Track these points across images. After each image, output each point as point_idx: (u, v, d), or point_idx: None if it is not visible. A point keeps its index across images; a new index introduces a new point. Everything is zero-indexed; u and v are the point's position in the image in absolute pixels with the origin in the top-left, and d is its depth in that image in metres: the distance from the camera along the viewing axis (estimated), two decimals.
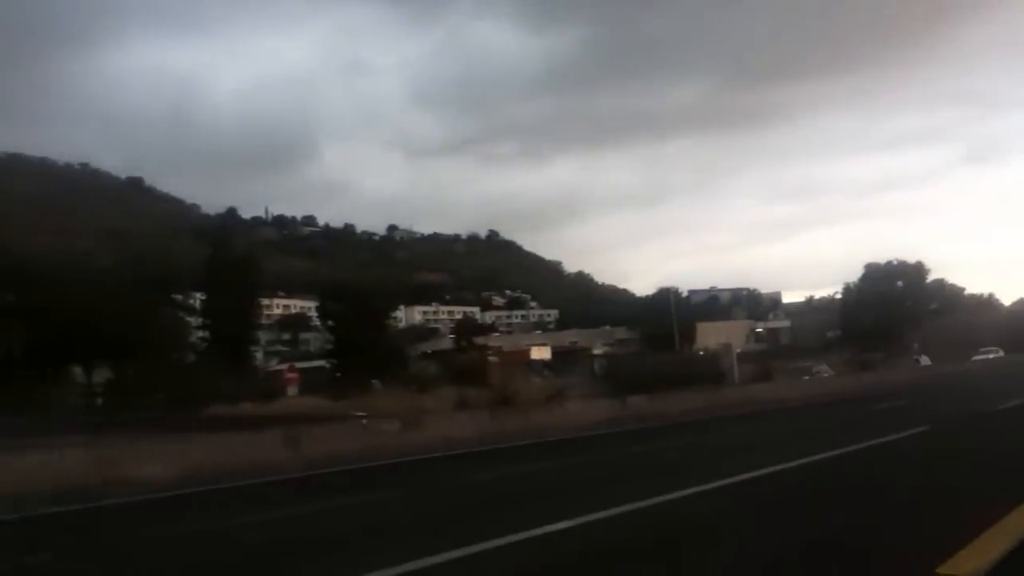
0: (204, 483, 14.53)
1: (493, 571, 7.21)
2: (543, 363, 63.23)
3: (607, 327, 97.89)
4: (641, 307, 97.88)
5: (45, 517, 12.07)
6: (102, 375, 60.50)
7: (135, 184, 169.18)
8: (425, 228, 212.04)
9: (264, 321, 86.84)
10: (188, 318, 65.83)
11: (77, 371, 59.99)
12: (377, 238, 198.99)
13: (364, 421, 19.09)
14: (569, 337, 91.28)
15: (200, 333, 66.15)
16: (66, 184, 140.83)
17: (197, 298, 66.63)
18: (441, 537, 8.48)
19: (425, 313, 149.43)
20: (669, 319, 78.62)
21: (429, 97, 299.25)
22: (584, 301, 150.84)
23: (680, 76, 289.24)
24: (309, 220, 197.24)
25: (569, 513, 9.21)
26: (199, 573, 8.06)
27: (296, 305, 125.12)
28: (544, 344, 78.57)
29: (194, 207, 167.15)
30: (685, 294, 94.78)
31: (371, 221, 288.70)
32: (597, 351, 77.60)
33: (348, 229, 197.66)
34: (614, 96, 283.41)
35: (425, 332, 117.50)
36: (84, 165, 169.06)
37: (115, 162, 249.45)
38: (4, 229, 67.51)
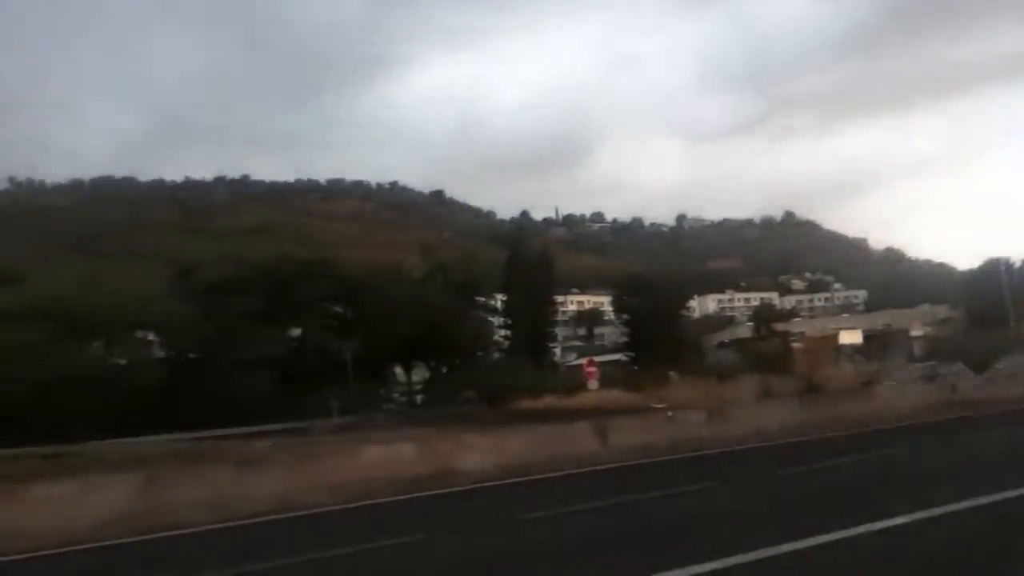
0: (522, 473, 15.19)
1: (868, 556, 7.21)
2: (853, 348, 58.84)
3: (925, 306, 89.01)
4: (964, 282, 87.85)
5: (397, 503, 13.42)
6: (419, 374, 66.17)
7: (437, 197, 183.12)
8: (715, 215, 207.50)
9: (560, 318, 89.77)
10: (492, 319, 69.91)
11: (398, 372, 66.08)
12: (666, 229, 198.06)
13: (669, 413, 18.84)
14: (881, 319, 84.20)
15: (503, 332, 69.99)
16: (379, 202, 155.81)
17: (499, 299, 70.48)
18: (788, 526, 8.57)
19: (719, 301, 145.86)
20: (999, 294, 69.83)
21: (711, 80, 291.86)
22: (895, 279, 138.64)
23: (994, 23, 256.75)
24: (597, 216, 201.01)
25: (908, 507, 8.71)
26: (600, 543, 8.90)
27: (589, 301, 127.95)
28: (852, 328, 73.10)
29: (490, 214, 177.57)
30: (1018, 265, 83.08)
31: (659, 212, 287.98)
32: (915, 332, 70.72)
33: (636, 222, 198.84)
34: (916, 53, 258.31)
35: (720, 321, 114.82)
36: (393, 183, 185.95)
37: (419, 178, 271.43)
38: (332, 248, 76.12)
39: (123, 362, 52.08)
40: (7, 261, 64.81)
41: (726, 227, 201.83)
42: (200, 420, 43.52)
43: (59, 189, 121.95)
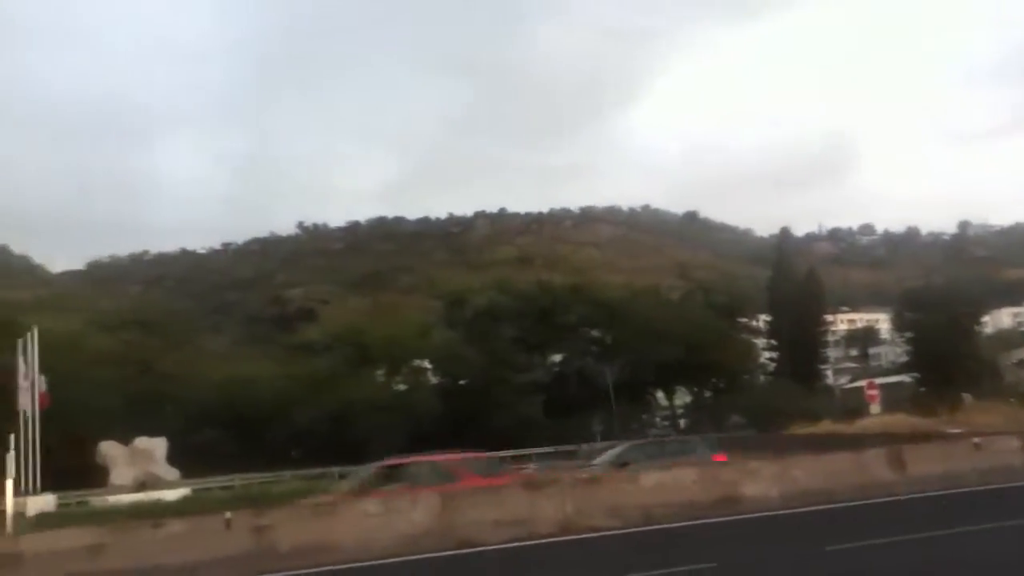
0: (810, 502, 14.38)
1: None
2: None
3: None
4: None
5: (681, 529, 13.25)
6: (681, 398, 65.18)
7: (691, 218, 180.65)
8: (1004, 219, 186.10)
9: (831, 337, 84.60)
10: (755, 340, 67.40)
11: (660, 396, 65.52)
12: (947, 237, 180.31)
13: (976, 439, 16.94)
14: None
15: (769, 354, 67.18)
16: (632, 226, 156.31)
17: (762, 320, 67.87)
18: None
19: (1016, 315, 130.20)
20: None
21: (977, 76, 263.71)
22: None
23: None
24: (867, 228, 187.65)
25: None
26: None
27: (862, 319, 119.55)
28: None
29: (747, 232, 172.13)
30: None
31: (936, 220, 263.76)
32: None
33: (911, 232, 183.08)
34: None
35: (1018, 337, 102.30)
36: (645, 207, 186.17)
37: (671, 200, 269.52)
38: (588, 273, 77.41)
39: (404, 388, 56.15)
40: (306, 299, 72.59)
41: (1018, 232, 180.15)
42: (473, 443, 45.83)
43: (339, 231, 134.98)
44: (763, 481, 14.93)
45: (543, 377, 57.32)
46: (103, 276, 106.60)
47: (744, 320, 66.51)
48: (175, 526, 12.32)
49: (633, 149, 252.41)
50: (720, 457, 21.97)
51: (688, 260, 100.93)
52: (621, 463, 21.38)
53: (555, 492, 14.41)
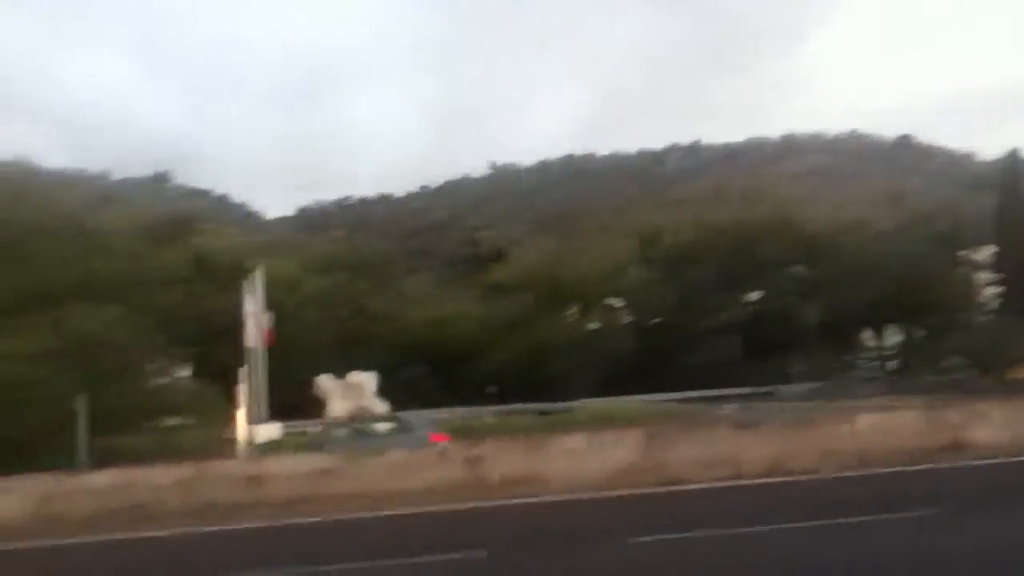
0: None
1: None
2: None
3: None
4: None
5: (902, 474, 12.53)
6: (891, 338, 61.16)
7: (903, 142, 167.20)
8: None
9: None
10: (977, 274, 61.84)
11: (867, 336, 61.82)
12: None
13: None
14: None
15: (992, 290, 61.49)
16: (838, 154, 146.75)
17: (986, 252, 62.07)
18: None
19: None
20: None
21: None
22: None
23: None
24: None
25: None
26: None
27: None
28: None
29: (968, 156, 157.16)
30: None
31: None
32: None
33: None
34: None
35: None
36: (852, 132, 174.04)
37: (881, 124, 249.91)
38: (790, 207, 73.67)
39: (596, 327, 56.50)
40: (498, 240, 74.12)
41: None
42: (666, 383, 45.56)
43: (530, 171, 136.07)
44: (993, 425, 13.77)
45: (740, 316, 55.66)
46: (311, 221, 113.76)
47: (964, 253, 61.11)
48: (397, 454, 13.07)
49: (836, 70, 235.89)
50: (439, 437, 18.43)
51: (900, 189, 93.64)
52: (318, 445, 18.93)
53: (765, 433, 14.02)
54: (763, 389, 45.96)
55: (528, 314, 51.76)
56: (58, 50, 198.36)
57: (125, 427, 25.15)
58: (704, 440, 13.55)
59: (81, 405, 20.80)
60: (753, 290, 58.37)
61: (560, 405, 39.03)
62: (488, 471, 13.01)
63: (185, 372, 32.35)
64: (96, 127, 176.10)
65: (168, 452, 20.86)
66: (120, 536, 11.59)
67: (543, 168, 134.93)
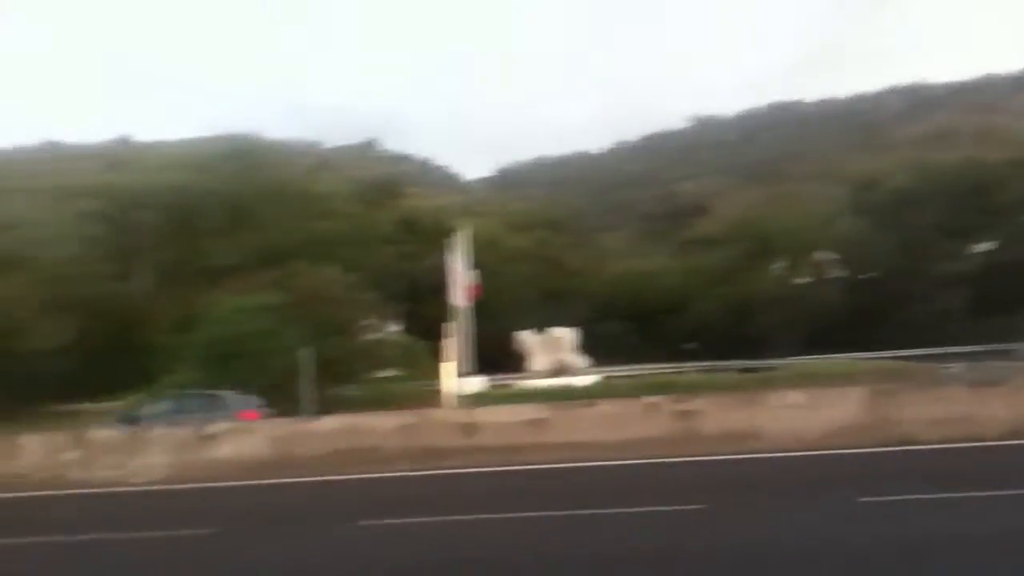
0: None
1: None
2: None
3: None
4: None
5: None
6: None
7: None
8: None
9: None
10: None
11: None
12: None
13: None
14: None
15: None
16: None
17: None
18: None
19: None
20: None
21: None
22: None
23: None
24: None
25: None
26: None
27: None
28: None
29: None
30: None
31: None
32: None
33: None
34: None
35: None
36: None
37: None
38: None
39: (805, 282, 53.76)
40: (698, 193, 72.06)
41: None
42: (880, 341, 42.63)
43: (732, 121, 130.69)
44: None
45: (968, 268, 50.90)
46: (509, 181, 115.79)
47: None
48: (606, 406, 13.01)
49: None
50: (248, 415, 17.12)
51: None
52: (130, 420, 17.33)
53: (1008, 392, 12.70)
54: (997, 347, 41.88)
55: (731, 268, 50.08)
56: (267, 27, 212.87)
57: (342, 378, 26.91)
58: (936, 398, 12.46)
59: (306, 357, 22.39)
60: (985, 239, 53.11)
61: (765, 363, 37.59)
62: (700, 426, 12.67)
63: (396, 327, 33.98)
64: (309, 98, 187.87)
65: (381, 403, 22.11)
66: (348, 476, 12.38)
67: (747, 117, 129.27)
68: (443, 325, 27.65)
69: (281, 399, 22.45)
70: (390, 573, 6.65)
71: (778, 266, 53.40)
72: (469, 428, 13.03)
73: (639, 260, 58.04)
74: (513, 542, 7.42)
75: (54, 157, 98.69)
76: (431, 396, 25.36)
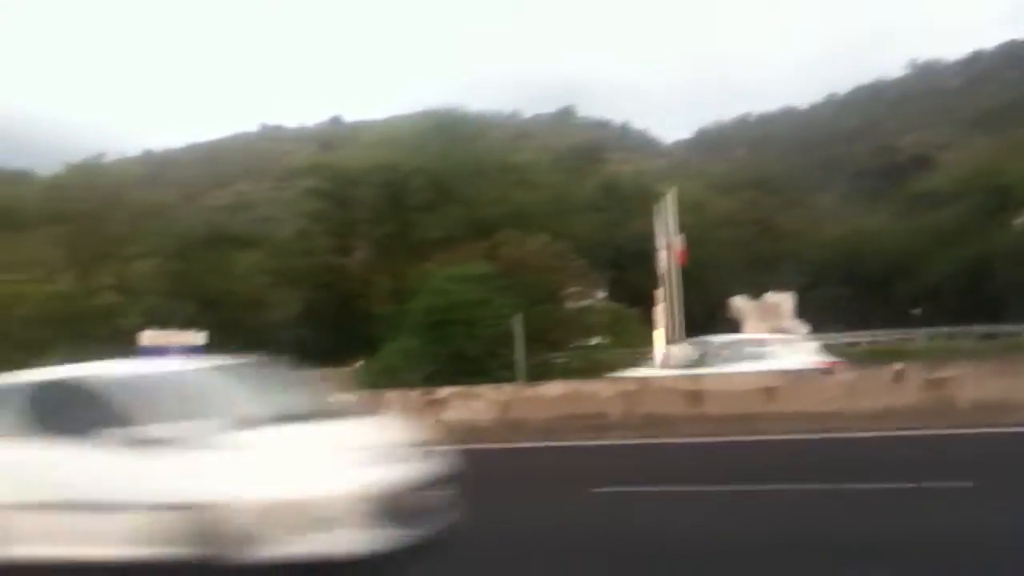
0: None
1: None
2: None
3: None
4: None
5: None
6: None
7: None
8: None
9: None
10: None
11: None
12: None
13: None
14: None
15: None
16: None
17: None
18: None
19: None
20: None
21: None
22: None
23: None
24: None
25: None
26: None
27: None
28: None
29: None
30: None
31: None
32: None
33: None
34: None
35: None
36: None
37: None
38: None
39: None
40: (920, 146, 66.46)
41: None
42: None
43: (956, 66, 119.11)
44: None
45: None
46: (710, 142, 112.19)
47: None
48: (844, 376, 12.12)
49: None
50: None
51: None
52: None
53: None
54: None
55: (964, 225, 45.57)
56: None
57: (552, 346, 27.08)
58: None
59: (518, 324, 22.66)
60: None
61: (1010, 328, 34.00)
62: (954, 395, 11.51)
63: (602, 295, 33.77)
64: (506, 69, 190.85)
65: (589, 371, 22.00)
66: (571, 443, 12.32)
67: (973, 61, 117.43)
68: (653, 292, 27.14)
69: (494, 367, 22.93)
70: (631, 542, 6.39)
71: (1021, 220, 48.00)
72: (694, 396, 12.59)
73: (857, 220, 54.25)
74: (788, 516, 6.94)
75: (272, 140, 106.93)
76: (641, 364, 24.99)
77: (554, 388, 13.37)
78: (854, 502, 7.35)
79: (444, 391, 13.72)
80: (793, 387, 12.15)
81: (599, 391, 13.08)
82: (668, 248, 33.59)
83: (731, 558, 5.76)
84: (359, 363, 33.79)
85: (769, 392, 12.18)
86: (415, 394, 13.79)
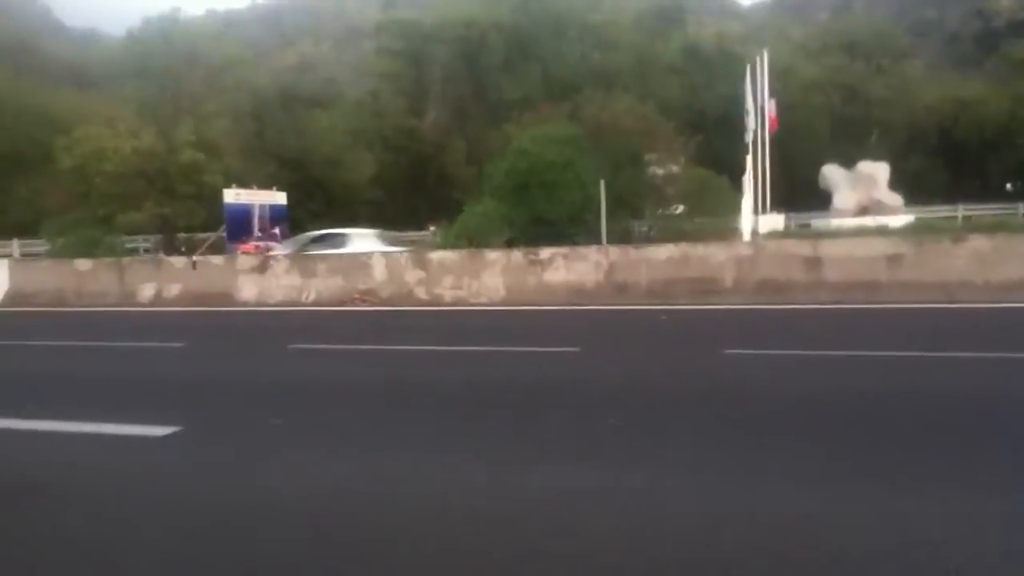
0: None
1: None
2: None
3: None
4: None
5: None
6: None
7: None
8: None
9: None
10: None
11: None
12: None
13: None
14: None
15: None
16: None
17: None
18: None
19: None
20: None
21: None
22: None
23: None
24: None
25: None
26: None
27: None
28: None
29: None
30: None
31: None
32: None
33: None
34: None
35: None
36: None
37: None
38: None
39: None
40: (1020, 10, 61.55)
41: None
42: None
43: None
44: None
45: None
46: (791, 5, 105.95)
47: None
48: (979, 241, 11.41)
49: None
50: None
51: None
52: None
53: None
54: None
55: None
56: None
57: (635, 212, 26.45)
58: None
59: (602, 189, 22.03)
60: None
61: None
62: None
63: (683, 161, 32.73)
64: None
65: (672, 237, 21.41)
66: (681, 307, 12.01)
67: None
68: (740, 159, 26.10)
69: (575, 232, 22.53)
70: (781, 399, 6.07)
71: None
72: (812, 262, 12.06)
73: (948, 89, 51.04)
74: (910, 377, 6.55)
75: (335, 1, 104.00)
76: (727, 234, 24.28)
77: (663, 251, 12.93)
78: (969, 369, 6.91)
79: (547, 251, 13.40)
80: (920, 254, 11.52)
81: (711, 255, 12.61)
82: (759, 113, 32.23)
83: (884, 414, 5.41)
84: (432, 227, 33.75)
85: (894, 259, 11.59)
86: (517, 254, 13.50)
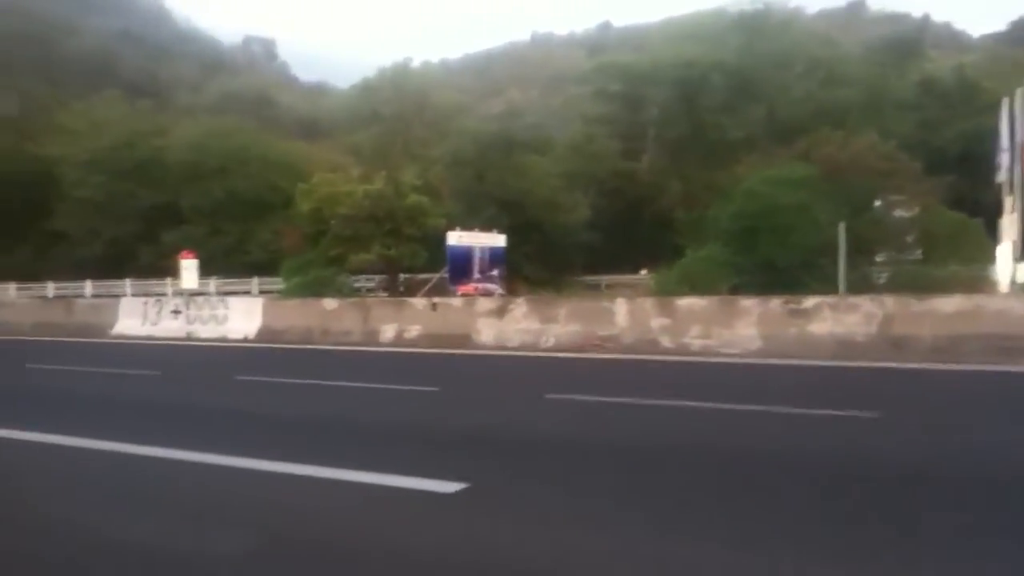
0: None
1: None
2: None
3: None
4: None
5: None
6: None
7: None
8: None
9: None
10: None
11: None
12: None
13: None
14: None
15: None
16: None
17: None
18: None
19: None
20: None
21: None
22: None
23: None
24: None
25: None
26: None
27: None
28: None
29: None
30: None
31: None
32: None
33: None
34: None
35: None
36: None
37: None
38: None
39: None
40: None
41: None
42: None
43: None
44: None
45: None
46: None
47: None
48: None
49: None
50: None
51: None
52: None
53: None
54: None
55: None
56: None
57: (870, 258, 24.48)
58: None
59: (842, 233, 20.42)
60: None
61: None
62: None
63: (932, 203, 30.04)
64: None
65: (921, 288, 19.37)
66: (973, 367, 10.44)
67: None
68: (992, 200, 23.47)
69: (808, 279, 21.03)
70: None
71: None
72: None
73: None
74: None
75: (542, 48, 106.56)
76: (981, 283, 21.80)
77: (949, 302, 11.43)
78: None
79: (811, 300, 12.25)
80: None
81: (1010, 308, 11.00)
82: (1015, 151, 28.92)
83: None
84: (644, 271, 32.94)
85: None
86: (776, 301, 12.46)
